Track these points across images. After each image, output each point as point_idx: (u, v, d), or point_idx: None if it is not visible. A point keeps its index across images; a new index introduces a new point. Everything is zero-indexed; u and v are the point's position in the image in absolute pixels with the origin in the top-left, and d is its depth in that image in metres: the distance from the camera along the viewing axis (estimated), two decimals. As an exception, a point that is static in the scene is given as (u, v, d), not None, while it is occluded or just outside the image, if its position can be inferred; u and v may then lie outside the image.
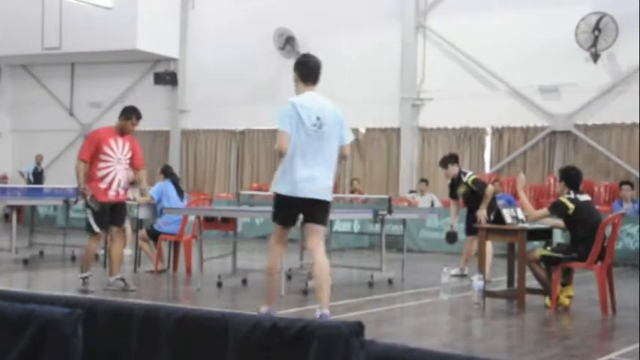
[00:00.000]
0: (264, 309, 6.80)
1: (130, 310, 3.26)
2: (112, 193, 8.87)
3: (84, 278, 8.95)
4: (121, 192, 9.01)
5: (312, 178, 6.71)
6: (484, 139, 18.09)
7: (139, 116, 9.04)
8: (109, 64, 22.18)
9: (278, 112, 6.83)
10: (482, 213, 10.63)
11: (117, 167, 8.88)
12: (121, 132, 8.98)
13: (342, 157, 7.08)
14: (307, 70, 6.92)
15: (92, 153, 8.79)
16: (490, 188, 10.99)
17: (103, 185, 8.81)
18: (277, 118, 6.76)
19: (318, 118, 6.75)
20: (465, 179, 11.12)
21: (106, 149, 8.83)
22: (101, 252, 11.29)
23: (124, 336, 3.22)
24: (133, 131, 9.11)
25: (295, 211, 6.86)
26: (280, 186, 6.82)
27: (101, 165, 8.82)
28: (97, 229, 8.83)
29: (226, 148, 21.05)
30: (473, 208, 10.97)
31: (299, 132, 6.70)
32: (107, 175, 8.84)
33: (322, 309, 6.75)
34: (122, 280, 9.01)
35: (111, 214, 8.92)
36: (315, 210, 6.82)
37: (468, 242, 11.24)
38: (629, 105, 16.22)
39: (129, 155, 9.00)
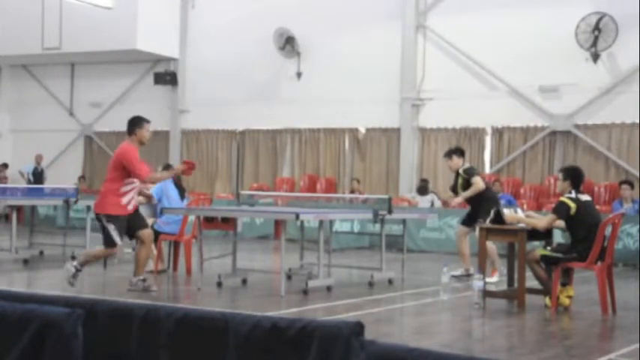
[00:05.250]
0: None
1: (130, 310, 3.26)
2: (130, 207, 8.93)
3: (77, 270, 8.91)
4: (135, 202, 9.11)
5: None
6: (484, 139, 18.08)
7: (147, 120, 9.15)
8: (109, 64, 22.18)
9: None
10: (457, 200, 10.73)
11: (137, 181, 8.98)
12: (141, 144, 9.07)
13: None
14: None
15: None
16: (477, 179, 10.80)
17: (124, 200, 8.85)
18: None
19: None
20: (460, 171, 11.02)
21: None
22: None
23: (124, 336, 3.22)
24: (148, 137, 9.19)
25: None
26: None
27: (128, 180, 8.85)
28: (119, 241, 8.91)
29: (226, 148, 21.02)
30: (473, 204, 10.88)
31: None
32: (131, 190, 8.92)
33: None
34: (144, 280, 9.09)
35: (133, 221, 8.98)
36: None
37: (462, 235, 11.09)
38: (629, 105, 16.22)
39: None
